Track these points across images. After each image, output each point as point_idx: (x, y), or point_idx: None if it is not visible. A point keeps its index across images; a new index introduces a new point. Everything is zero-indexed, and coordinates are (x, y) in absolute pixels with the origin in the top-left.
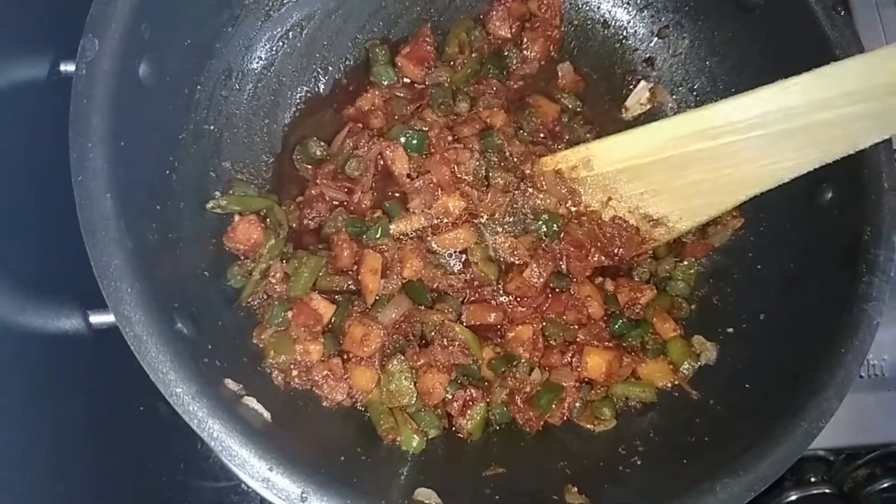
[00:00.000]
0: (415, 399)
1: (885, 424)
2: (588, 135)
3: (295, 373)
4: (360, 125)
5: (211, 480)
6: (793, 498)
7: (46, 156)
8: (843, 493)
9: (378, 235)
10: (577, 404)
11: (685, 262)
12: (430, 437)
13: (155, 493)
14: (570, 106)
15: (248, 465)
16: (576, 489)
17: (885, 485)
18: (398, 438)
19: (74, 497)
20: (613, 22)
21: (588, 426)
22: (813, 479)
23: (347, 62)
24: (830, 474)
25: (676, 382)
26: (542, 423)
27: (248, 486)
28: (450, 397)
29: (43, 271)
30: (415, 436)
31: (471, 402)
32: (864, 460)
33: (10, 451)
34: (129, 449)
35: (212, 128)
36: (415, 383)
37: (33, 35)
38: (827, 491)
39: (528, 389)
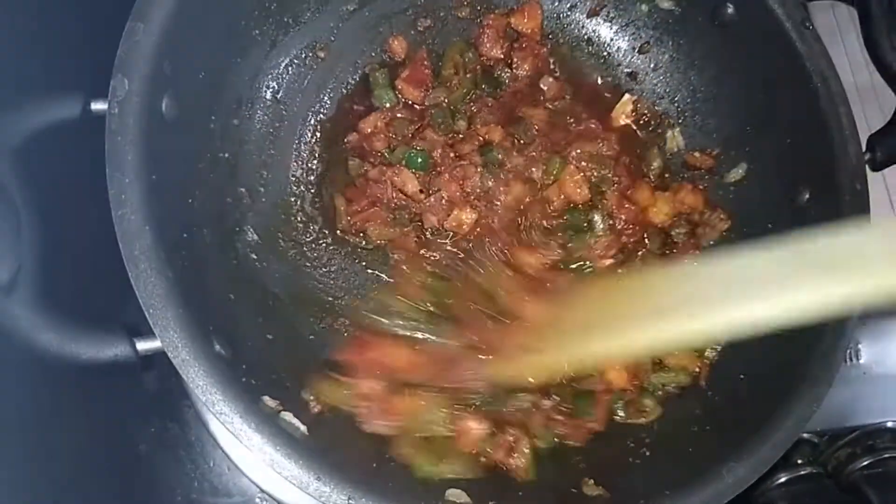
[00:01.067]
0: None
1: (863, 407)
2: None
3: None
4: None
5: (224, 497)
6: (783, 479)
7: (85, 192)
8: (828, 472)
9: None
10: (618, 406)
11: None
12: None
13: None
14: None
15: (296, 475)
16: (592, 481)
17: (865, 462)
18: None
19: None
20: (597, 39)
21: (639, 421)
22: (800, 461)
23: (350, 86)
24: (816, 455)
25: (699, 368)
26: (588, 432)
27: (263, 500)
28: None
29: (90, 304)
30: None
31: (514, 443)
32: (845, 441)
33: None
34: (142, 468)
35: (226, 155)
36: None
37: (65, 78)
38: (814, 471)
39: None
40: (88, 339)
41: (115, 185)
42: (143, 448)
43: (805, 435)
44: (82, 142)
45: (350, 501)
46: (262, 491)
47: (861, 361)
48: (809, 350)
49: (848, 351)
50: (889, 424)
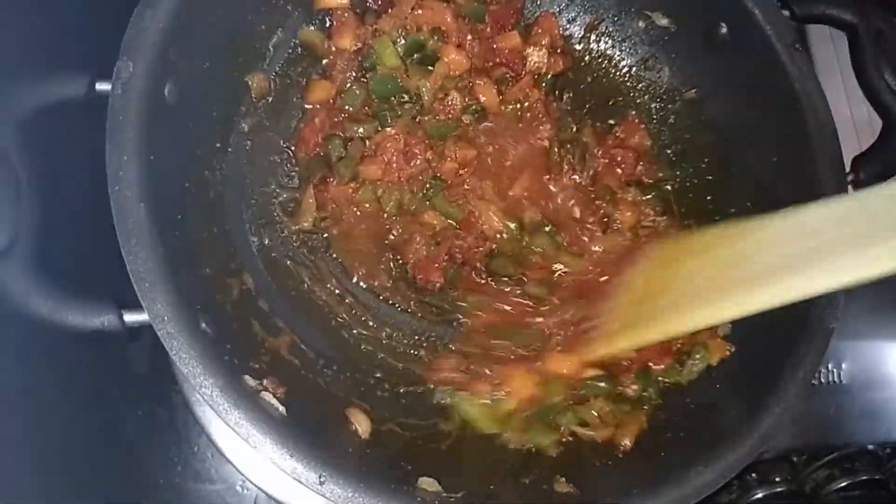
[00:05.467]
0: None
1: (843, 428)
2: None
3: None
4: None
5: (206, 482)
6: (759, 495)
7: (85, 167)
8: (805, 492)
9: None
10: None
11: None
12: None
13: (151, 494)
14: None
15: (271, 452)
16: (564, 479)
17: (843, 484)
18: None
19: (72, 493)
20: (597, 52)
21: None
22: (777, 479)
23: None
24: (793, 474)
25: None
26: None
27: (244, 488)
28: None
29: (82, 275)
30: None
31: None
32: (824, 461)
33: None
34: (127, 450)
35: (222, 145)
36: None
37: (73, 57)
38: (789, 489)
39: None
40: (79, 307)
41: (114, 162)
42: (130, 430)
43: (782, 453)
44: (86, 119)
45: (322, 479)
46: (245, 478)
47: (843, 383)
48: (783, 360)
49: (829, 370)
50: (870, 447)
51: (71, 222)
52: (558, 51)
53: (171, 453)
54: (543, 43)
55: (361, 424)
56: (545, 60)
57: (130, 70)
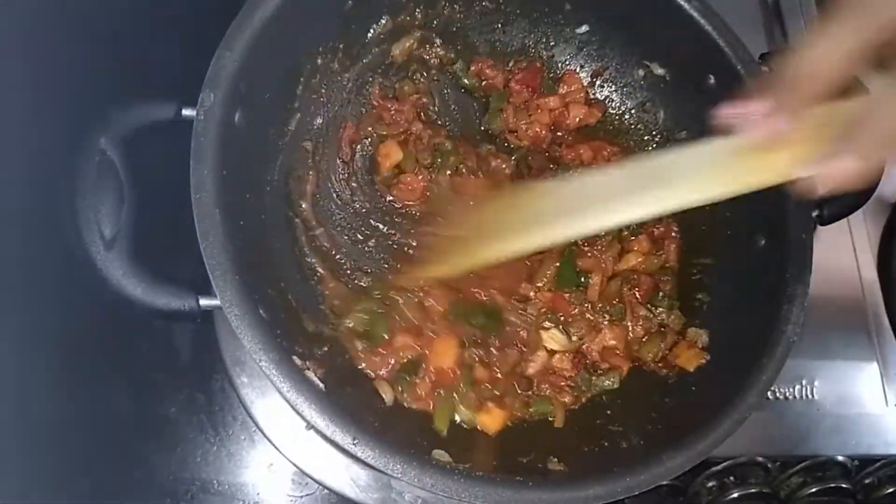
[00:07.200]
0: None
1: (814, 439)
2: None
3: None
4: None
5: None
6: (735, 495)
7: (173, 178)
8: (779, 496)
9: None
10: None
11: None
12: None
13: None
14: None
15: (314, 418)
16: (556, 459)
17: (813, 490)
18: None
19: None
20: (602, 96)
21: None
22: (753, 481)
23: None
24: (768, 479)
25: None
26: None
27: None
28: None
29: (168, 265)
30: None
31: None
32: (797, 469)
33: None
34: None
35: (280, 160)
36: None
37: (165, 88)
38: (763, 491)
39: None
40: (164, 290)
41: (196, 174)
42: (174, 411)
43: (758, 458)
44: (173, 139)
45: (355, 441)
46: (280, 452)
47: (815, 398)
48: (748, 367)
49: (803, 385)
50: (839, 458)
51: (161, 222)
52: (590, 102)
53: (209, 435)
54: (578, 98)
55: (387, 394)
56: (582, 113)
57: (211, 100)
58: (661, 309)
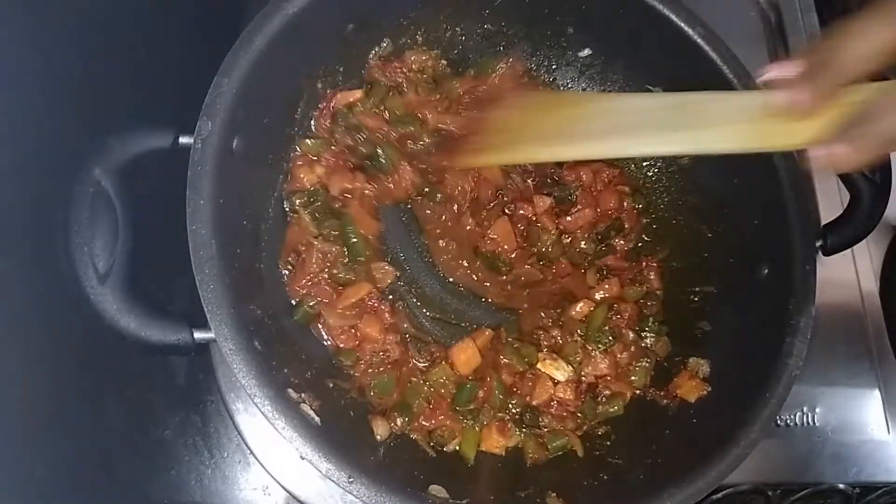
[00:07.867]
0: None
1: (816, 466)
2: None
3: None
4: None
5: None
6: None
7: (168, 207)
8: None
9: None
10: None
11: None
12: None
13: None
14: None
15: (310, 454)
16: (555, 495)
17: None
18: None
19: (116, 482)
20: None
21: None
22: None
23: None
24: None
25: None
26: None
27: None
28: None
29: (162, 298)
30: None
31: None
32: (798, 496)
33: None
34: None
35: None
36: None
37: (161, 116)
38: None
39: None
40: (158, 324)
41: (192, 205)
42: (168, 434)
43: (759, 486)
44: (169, 167)
45: (350, 480)
46: (273, 478)
47: (817, 425)
48: (751, 400)
49: (805, 413)
50: (840, 486)
51: (156, 253)
52: None
53: (204, 457)
54: None
55: (380, 429)
56: None
57: (209, 128)
58: (649, 333)
